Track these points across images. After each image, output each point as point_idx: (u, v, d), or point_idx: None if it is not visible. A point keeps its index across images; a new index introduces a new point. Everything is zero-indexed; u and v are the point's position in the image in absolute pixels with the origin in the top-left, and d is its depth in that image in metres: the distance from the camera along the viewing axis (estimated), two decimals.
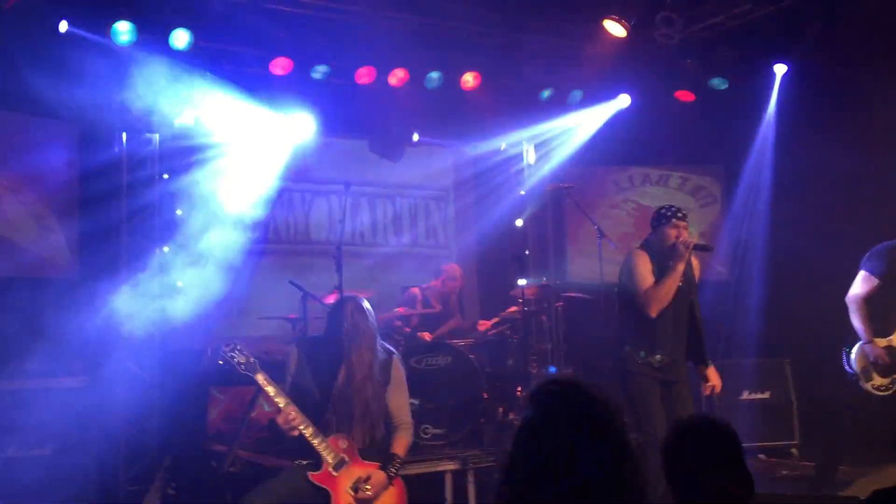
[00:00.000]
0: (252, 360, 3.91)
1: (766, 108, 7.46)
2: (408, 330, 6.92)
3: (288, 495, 3.86)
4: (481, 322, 7.38)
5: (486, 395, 6.30)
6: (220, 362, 3.90)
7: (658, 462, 4.46)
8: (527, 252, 7.58)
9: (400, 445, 4.10)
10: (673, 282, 4.75)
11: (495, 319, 7.15)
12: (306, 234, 8.27)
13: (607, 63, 7.38)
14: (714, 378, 4.96)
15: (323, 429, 3.92)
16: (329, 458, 3.87)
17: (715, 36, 7.09)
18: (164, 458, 5.76)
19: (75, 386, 5.47)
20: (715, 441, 2.05)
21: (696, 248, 4.89)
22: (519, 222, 8.37)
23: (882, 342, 5.29)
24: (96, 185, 6.50)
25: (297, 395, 3.96)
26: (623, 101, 7.76)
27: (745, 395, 6.92)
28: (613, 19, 6.47)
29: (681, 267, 4.76)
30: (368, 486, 3.87)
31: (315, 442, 3.85)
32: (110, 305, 6.29)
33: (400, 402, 4.19)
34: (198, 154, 7.02)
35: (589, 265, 7.41)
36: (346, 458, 3.91)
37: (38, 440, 5.18)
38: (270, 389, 3.86)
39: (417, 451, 5.88)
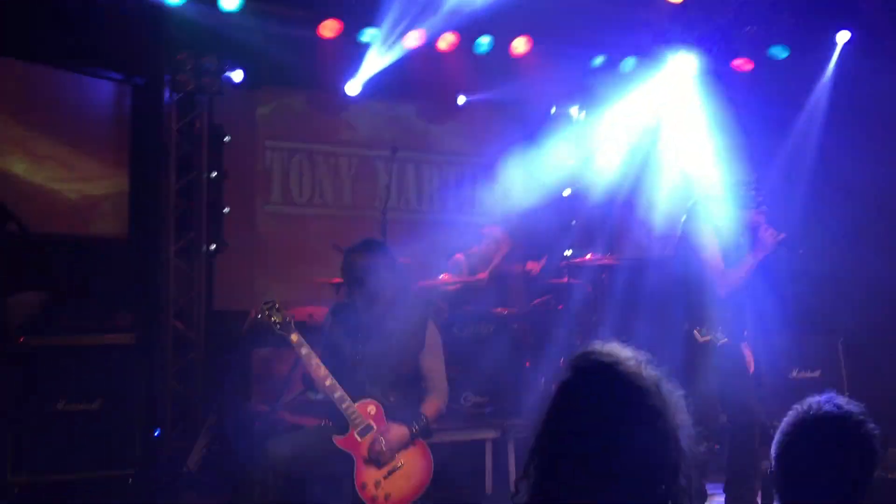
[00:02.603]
0: (288, 319, 3.87)
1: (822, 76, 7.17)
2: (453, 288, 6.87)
3: (311, 451, 3.83)
4: (530, 263, 7.27)
5: (528, 365, 6.25)
6: (258, 317, 3.88)
7: (707, 447, 4.42)
8: (573, 222, 7.45)
9: (430, 407, 4.00)
10: (748, 270, 4.61)
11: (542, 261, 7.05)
12: (352, 199, 8.27)
13: (663, 29, 7.19)
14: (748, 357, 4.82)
15: (353, 392, 3.86)
16: (356, 422, 3.81)
17: (775, 2, 6.84)
18: (208, 417, 5.85)
19: (124, 343, 5.56)
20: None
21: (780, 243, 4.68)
22: (567, 192, 8.24)
23: None
24: (146, 147, 6.57)
25: (329, 358, 3.92)
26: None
27: (795, 374, 6.76)
28: None
29: (760, 256, 4.63)
30: (383, 439, 3.78)
31: (343, 406, 3.80)
32: (159, 267, 6.40)
33: (434, 366, 4.09)
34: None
35: (638, 236, 7.28)
36: (373, 424, 3.84)
37: (87, 395, 5.28)
38: (304, 350, 3.83)
39: (458, 418, 5.87)
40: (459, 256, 7.23)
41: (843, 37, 7.00)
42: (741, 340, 4.76)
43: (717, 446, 5.49)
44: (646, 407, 1.57)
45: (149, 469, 5.43)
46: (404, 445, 3.85)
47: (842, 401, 1.88)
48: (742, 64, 7.46)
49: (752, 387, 4.81)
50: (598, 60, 7.64)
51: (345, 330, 4.01)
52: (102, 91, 6.47)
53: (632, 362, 1.62)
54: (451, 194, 8.77)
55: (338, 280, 6.58)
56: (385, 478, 3.81)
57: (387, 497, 3.79)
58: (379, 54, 7.16)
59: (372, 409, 3.88)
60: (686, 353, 4.60)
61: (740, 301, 4.71)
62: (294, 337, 3.84)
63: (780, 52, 7.25)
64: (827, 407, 1.87)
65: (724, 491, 4.72)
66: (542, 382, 6.43)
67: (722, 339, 4.62)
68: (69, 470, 5.07)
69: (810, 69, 7.27)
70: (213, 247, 6.69)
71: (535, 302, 7.05)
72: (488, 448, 5.52)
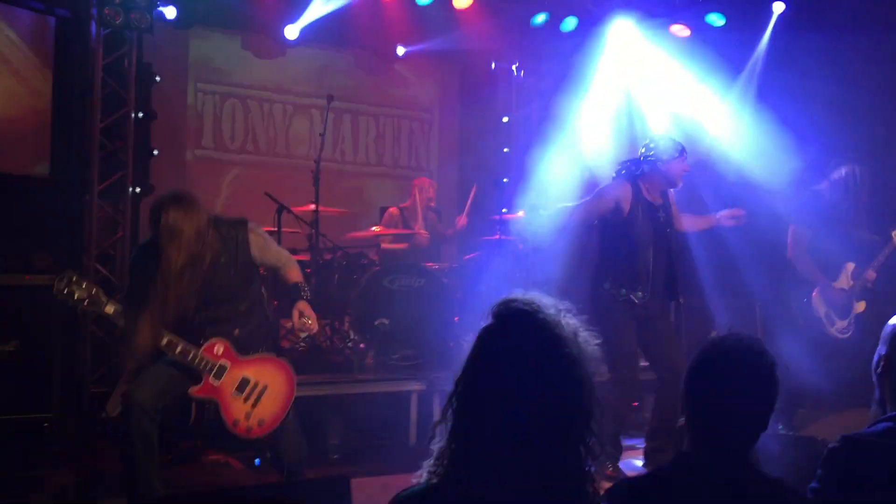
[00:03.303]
0: (94, 290, 3.59)
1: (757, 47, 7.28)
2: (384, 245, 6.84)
3: (175, 386, 3.71)
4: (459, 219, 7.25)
5: (457, 320, 6.30)
6: (57, 297, 3.53)
7: (624, 401, 4.58)
8: (505, 180, 7.47)
9: (295, 275, 3.99)
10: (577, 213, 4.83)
11: (479, 252, 7.08)
12: (286, 147, 8.13)
13: None
14: None
15: (194, 339, 3.70)
16: (207, 368, 3.70)
17: None
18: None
19: (43, 284, 5.38)
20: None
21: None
22: (506, 149, 8.26)
23: (836, 286, 5.43)
24: (70, 83, 6.31)
25: (151, 307, 3.60)
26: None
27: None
28: None
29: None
30: (306, 319, 3.83)
31: (189, 358, 3.66)
32: (82, 208, 6.19)
33: (274, 256, 3.99)
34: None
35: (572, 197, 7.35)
36: (226, 364, 3.75)
37: (3, 336, 5.12)
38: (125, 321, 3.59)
39: (386, 369, 5.91)
40: (393, 210, 7.20)
41: (778, 7, 7.11)
42: (666, 300, 4.89)
43: (636, 403, 5.66)
44: (563, 355, 1.59)
45: (66, 414, 5.32)
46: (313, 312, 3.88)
47: (743, 335, 2.01)
48: (680, 30, 7.52)
49: (679, 345, 4.96)
50: (540, 18, 7.62)
51: (151, 269, 3.63)
52: (22, 21, 6.16)
53: (551, 311, 1.64)
54: (386, 147, 8.70)
55: (267, 228, 6.49)
56: (253, 406, 3.77)
57: (260, 423, 3.77)
58: (319, 1, 7.01)
59: (219, 348, 3.75)
60: (605, 311, 4.69)
61: (659, 258, 4.81)
62: (110, 309, 3.59)
63: (716, 20, 7.33)
64: (730, 340, 2.00)
65: (646, 440, 4.88)
66: (470, 337, 6.49)
67: (644, 297, 4.72)
68: None
69: (746, 38, 7.37)
70: (139, 189, 6.50)
71: (466, 257, 7.08)
72: (414, 400, 5.57)
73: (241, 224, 3.88)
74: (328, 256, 6.58)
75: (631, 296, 4.70)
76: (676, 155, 4.80)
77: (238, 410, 3.75)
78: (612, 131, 7.40)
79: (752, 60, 7.29)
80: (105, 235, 6.29)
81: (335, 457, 5.12)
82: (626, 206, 4.73)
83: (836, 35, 6.42)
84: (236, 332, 3.80)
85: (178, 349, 3.65)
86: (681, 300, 5.03)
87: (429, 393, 5.58)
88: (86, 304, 3.58)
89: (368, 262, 6.66)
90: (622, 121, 7.52)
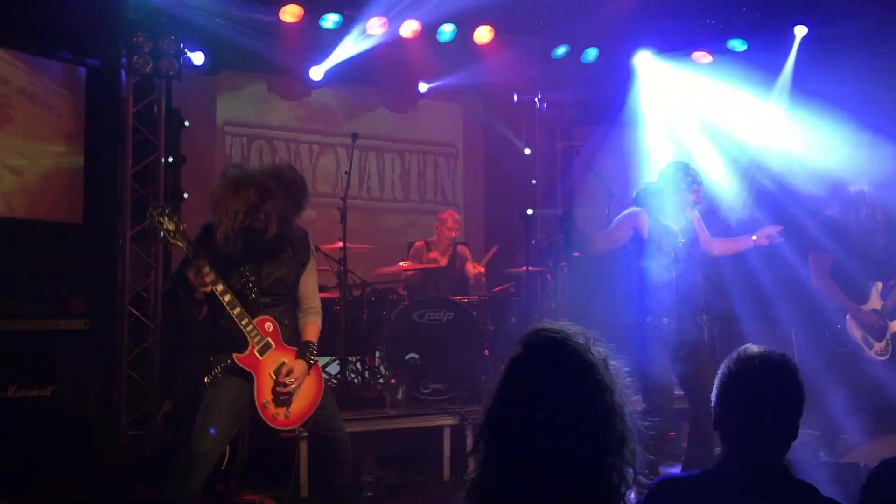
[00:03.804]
0: (183, 227, 3.64)
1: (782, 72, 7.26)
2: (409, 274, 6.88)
3: (232, 408, 3.68)
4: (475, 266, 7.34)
5: (487, 353, 6.28)
6: (147, 224, 3.53)
7: (660, 431, 4.51)
8: (529, 212, 7.49)
9: (312, 332, 3.90)
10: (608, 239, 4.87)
11: (507, 285, 7.10)
12: (312, 186, 8.21)
13: (625, 20, 7.23)
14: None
15: (250, 310, 3.70)
16: (255, 339, 3.69)
17: None
18: (163, 404, 5.78)
19: (78, 329, 5.47)
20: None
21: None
22: (533, 181, 8.29)
23: (867, 308, 5.34)
24: (102, 130, 6.45)
25: (225, 272, 3.66)
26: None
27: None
28: None
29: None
30: (292, 378, 3.71)
31: (243, 323, 3.66)
32: (115, 252, 6.30)
33: (313, 286, 3.96)
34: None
35: (598, 225, 7.33)
36: (271, 342, 3.74)
37: (39, 381, 5.19)
38: (202, 263, 3.57)
39: (417, 404, 5.89)
40: (420, 244, 7.23)
41: (800, 31, 7.10)
42: (697, 327, 4.82)
43: (672, 433, 5.58)
44: (593, 382, 1.59)
45: (102, 458, 5.35)
46: (304, 377, 3.78)
47: (769, 349, 2.14)
48: (701, 56, 7.54)
49: (713, 374, 4.87)
50: (561, 50, 7.67)
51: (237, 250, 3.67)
52: (54, 73, 6.33)
53: (580, 339, 1.63)
54: (412, 182, 8.76)
55: None
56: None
57: (286, 415, 3.76)
58: (343, 44, 7.13)
59: (269, 325, 3.75)
60: (634, 341, 4.64)
61: (682, 281, 4.75)
62: (189, 248, 3.61)
63: (738, 46, 7.34)
64: (757, 353, 2.13)
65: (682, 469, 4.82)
66: (501, 370, 6.45)
67: (671, 323, 4.66)
68: (19, 457, 4.98)
69: (768, 62, 7.35)
70: None
71: (495, 290, 7.08)
72: (447, 434, 5.53)
73: (307, 233, 3.97)
74: (357, 293, 6.61)
75: (657, 323, 4.65)
76: (680, 181, 4.78)
77: (270, 393, 3.74)
78: (645, 157, 7.39)
79: (779, 82, 7.27)
80: (138, 279, 6.38)
81: (368, 494, 5.09)
82: (644, 232, 4.72)
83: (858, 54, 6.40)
84: (286, 321, 3.82)
85: (237, 310, 3.65)
86: (703, 318, 4.91)
87: (461, 427, 5.55)
88: (171, 234, 3.61)
89: (397, 298, 6.68)
90: (655, 146, 7.51)
